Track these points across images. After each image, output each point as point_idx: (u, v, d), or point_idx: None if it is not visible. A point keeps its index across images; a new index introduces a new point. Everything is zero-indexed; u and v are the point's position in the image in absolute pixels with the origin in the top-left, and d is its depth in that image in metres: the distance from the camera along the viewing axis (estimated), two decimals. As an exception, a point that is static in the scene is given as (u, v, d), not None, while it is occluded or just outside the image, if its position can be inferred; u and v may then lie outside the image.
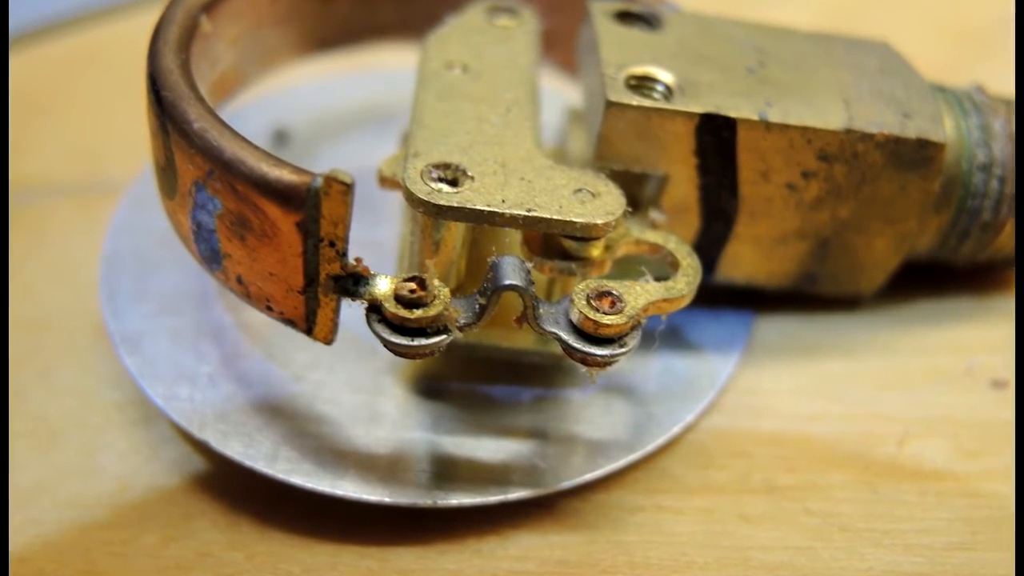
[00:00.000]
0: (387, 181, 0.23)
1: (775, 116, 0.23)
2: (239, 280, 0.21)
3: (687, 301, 0.21)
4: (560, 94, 0.29)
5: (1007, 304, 0.27)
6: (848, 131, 0.23)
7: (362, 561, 0.22)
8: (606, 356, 0.20)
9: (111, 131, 0.32)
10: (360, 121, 0.31)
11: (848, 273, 0.25)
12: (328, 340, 0.21)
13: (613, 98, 0.22)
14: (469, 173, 0.21)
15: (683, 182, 0.23)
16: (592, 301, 0.20)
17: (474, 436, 0.23)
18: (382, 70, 0.31)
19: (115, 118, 0.32)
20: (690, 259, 0.22)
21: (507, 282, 0.20)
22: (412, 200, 0.21)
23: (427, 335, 0.20)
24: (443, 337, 0.20)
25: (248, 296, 0.21)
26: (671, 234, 0.23)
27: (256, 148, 0.19)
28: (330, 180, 0.18)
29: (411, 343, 0.20)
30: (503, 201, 0.21)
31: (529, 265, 0.20)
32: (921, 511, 0.23)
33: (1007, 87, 0.28)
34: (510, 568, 0.22)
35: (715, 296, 0.26)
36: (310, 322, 0.20)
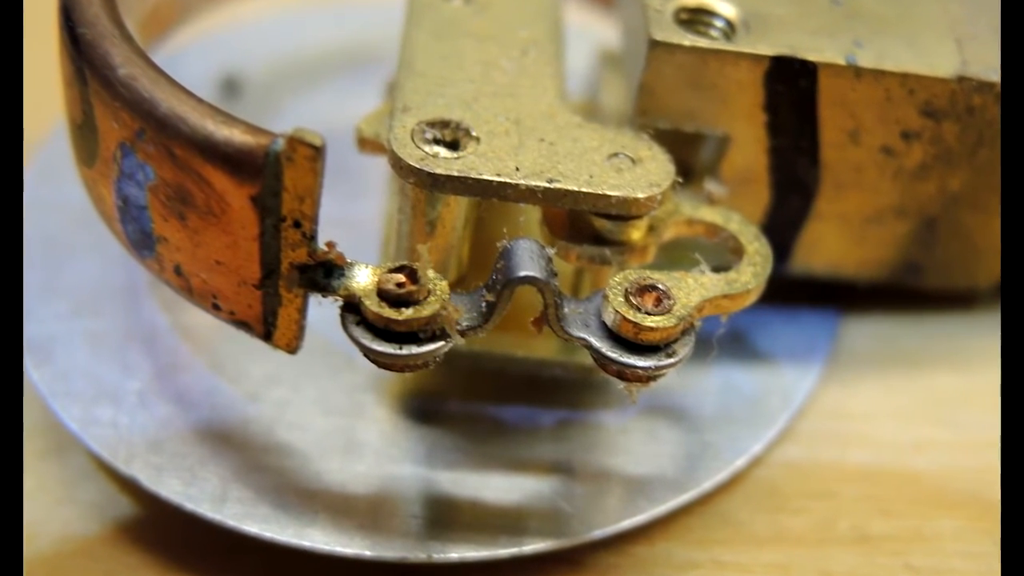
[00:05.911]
0: (368, 143, 0.23)
1: (867, 60, 0.23)
2: (177, 271, 0.21)
3: (754, 297, 0.21)
4: (590, 32, 0.29)
5: None
6: (961, 79, 0.23)
7: (336, 632, 0.22)
8: (649, 368, 0.20)
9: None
10: (332, 67, 0.31)
11: (960, 262, 0.25)
12: (292, 348, 0.21)
13: (659, 37, 0.22)
14: (473, 133, 0.21)
15: (748, 144, 0.23)
16: (632, 298, 0.20)
17: (479, 471, 0.23)
18: (359, 2, 0.31)
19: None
20: (757, 244, 0.22)
21: (522, 273, 0.20)
22: (401, 168, 0.21)
23: (419, 341, 0.20)
24: (440, 344, 0.20)
25: (189, 291, 0.21)
26: (733, 212, 0.23)
27: (199, 101, 0.19)
28: (294, 142, 0.18)
29: (399, 351, 0.20)
30: (517, 169, 0.21)
31: (551, 251, 0.20)
32: (1056, 569, 0.23)
33: None
34: (526, 641, 0.22)
35: (790, 291, 0.26)
36: (269, 324, 0.20)
